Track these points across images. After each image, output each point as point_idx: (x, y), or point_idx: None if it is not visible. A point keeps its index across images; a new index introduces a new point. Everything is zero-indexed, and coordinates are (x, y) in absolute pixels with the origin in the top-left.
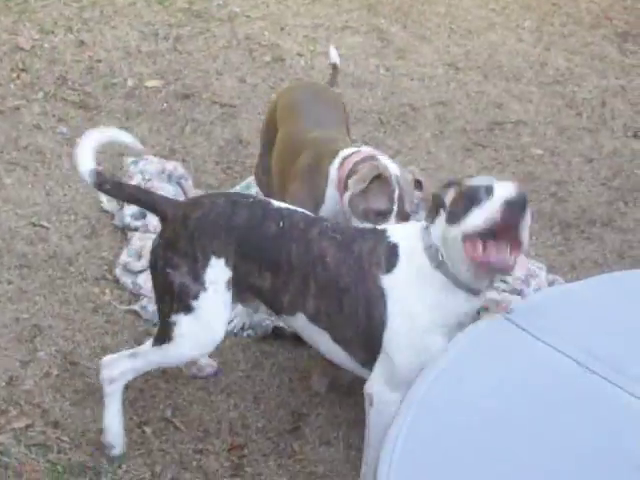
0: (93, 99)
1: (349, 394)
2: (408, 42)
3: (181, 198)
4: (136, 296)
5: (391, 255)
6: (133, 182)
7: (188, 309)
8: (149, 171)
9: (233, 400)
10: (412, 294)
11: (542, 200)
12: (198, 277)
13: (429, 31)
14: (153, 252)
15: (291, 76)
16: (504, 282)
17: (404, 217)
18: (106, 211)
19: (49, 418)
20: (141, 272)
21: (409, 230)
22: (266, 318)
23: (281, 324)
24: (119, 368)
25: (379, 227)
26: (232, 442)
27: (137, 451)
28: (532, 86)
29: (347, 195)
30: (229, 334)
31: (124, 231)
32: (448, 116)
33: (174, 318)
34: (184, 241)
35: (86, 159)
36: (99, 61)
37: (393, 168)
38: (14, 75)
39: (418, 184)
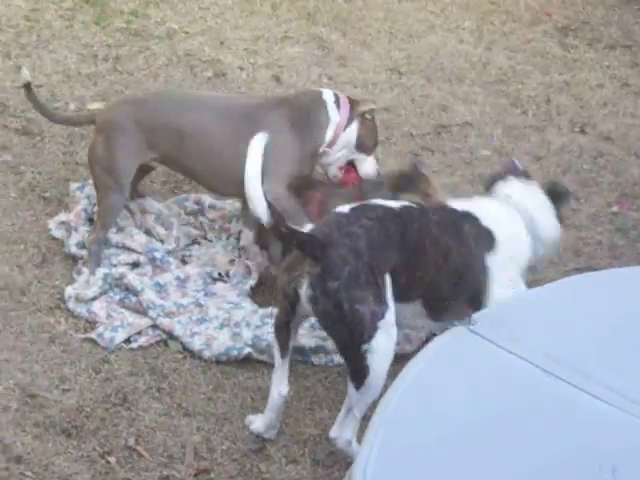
0: (35, 125)
1: (312, 410)
2: (349, 49)
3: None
4: (92, 324)
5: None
6: (79, 207)
7: (376, 330)
8: (95, 195)
9: (196, 423)
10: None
11: None
12: (382, 299)
13: (369, 37)
14: (331, 297)
15: (233, 90)
16: None
17: None
18: (56, 238)
19: (11, 453)
20: (94, 299)
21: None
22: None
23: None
24: (350, 429)
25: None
26: (198, 467)
27: None
28: (476, 87)
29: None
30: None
31: (75, 259)
32: (394, 122)
33: (365, 347)
34: (365, 273)
35: (260, 199)
36: (39, 86)
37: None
38: None
39: None
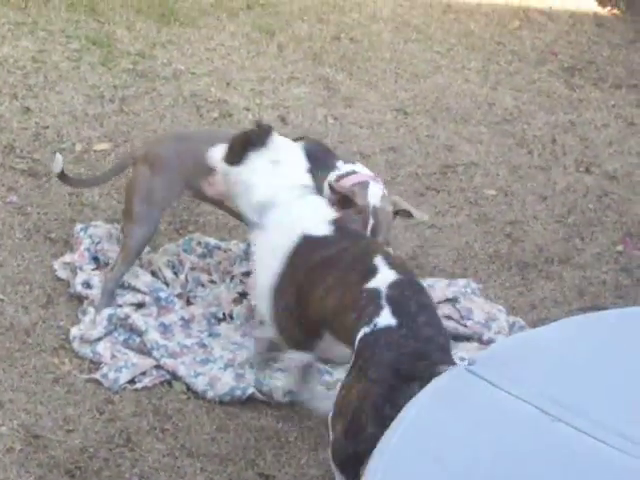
0: (42, 166)
1: (315, 450)
2: (355, 90)
3: None
4: (96, 364)
5: None
6: (82, 247)
7: None
8: (97, 235)
9: (200, 464)
10: None
11: (498, 241)
12: None
13: (375, 77)
14: None
15: (240, 130)
16: (464, 326)
17: None
18: (61, 279)
19: None
20: (99, 340)
21: None
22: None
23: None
24: None
25: None
26: None
27: None
28: (481, 126)
29: None
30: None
31: (80, 299)
32: (399, 162)
33: None
34: None
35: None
36: (46, 127)
37: (375, 198)
38: None
39: (405, 213)
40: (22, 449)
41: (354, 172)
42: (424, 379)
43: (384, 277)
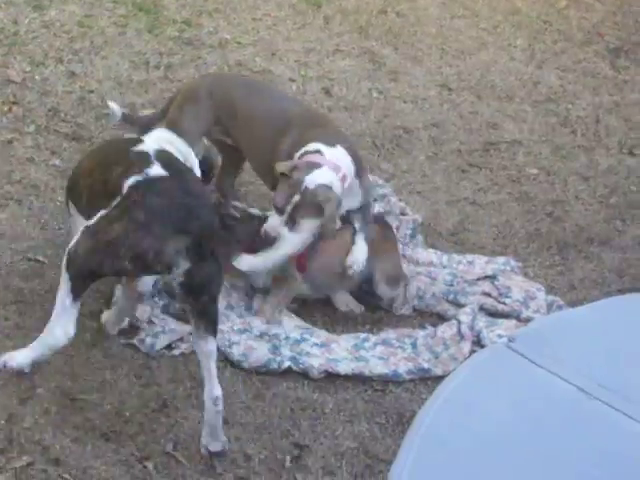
0: (85, 130)
1: (351, 422)
2: (400, 64)
3: None
4: (134, 329)
5: None
6: None
7: None
8: None
9: (234, 432)
10: None
11: (539, 220)
12: None
13: (421, 52)
14: None
15: None
16: (502, 304)
17: (294, 223)
18: None
19: (50, 456)
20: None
21: None
22: None
23: None
24: None
25: None
26: (235, 475)
27: None
28: (525, 105)
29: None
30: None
31: None
32: (442, 138)
33: None
34: None
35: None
36: (91, 92)
37: (312, 181)
38: (5, 108)
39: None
40: (58, 411)
41: (319, 152)
42: (194, 236)
43: (150, 145)
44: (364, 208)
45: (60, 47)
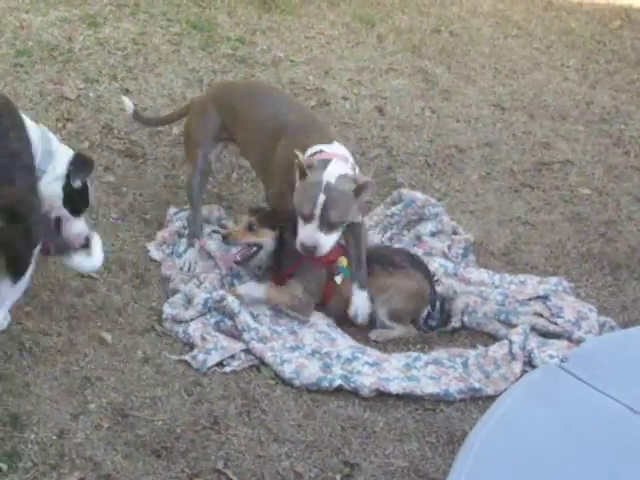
0: (139, 147)
1: (401, 441)
2: (453, 83)
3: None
4: (185, 346)
5: None
6: (174, 228)
7: None
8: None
9: (285, 449)
10: None
11: (591, 241)
12: None
13: (474, 72)
14: None
15: (337, 119)
16: (554, 324)
17: (329, 225)
18: (154, 260)
19: (101, 471)
20: (191, 321)
21: None
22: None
23: None
24: None
25: None
26: None
27: None
28: (579, 125)
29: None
30: None
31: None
32: (495, 157)
33: None
34: None
35: None
36: (144, 109)
37: (330, 175)
38: (60, 125)
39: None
40: (110, 427)
41: (321, 151)
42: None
43: None
44: (357, 239)
45: (114, 64)
